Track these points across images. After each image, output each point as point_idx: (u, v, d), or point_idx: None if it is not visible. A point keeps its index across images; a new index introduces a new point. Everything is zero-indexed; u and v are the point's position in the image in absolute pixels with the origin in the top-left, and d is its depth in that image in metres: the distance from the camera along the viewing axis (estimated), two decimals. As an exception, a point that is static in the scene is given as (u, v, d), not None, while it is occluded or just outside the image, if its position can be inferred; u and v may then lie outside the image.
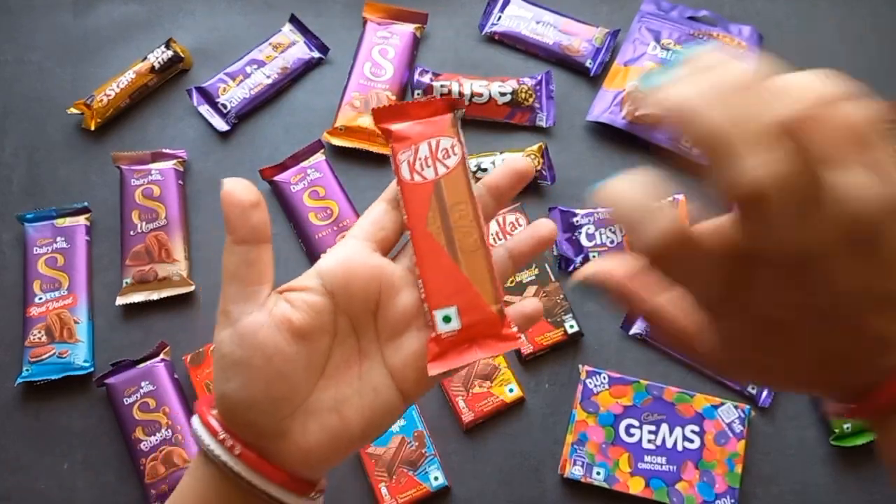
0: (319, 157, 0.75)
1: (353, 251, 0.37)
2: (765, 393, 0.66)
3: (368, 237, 0.38)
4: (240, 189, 0.34)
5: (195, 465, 0.37)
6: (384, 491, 0.63)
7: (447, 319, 0.36)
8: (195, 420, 0.36)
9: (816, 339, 0.29)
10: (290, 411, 0.35)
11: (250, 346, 0.34)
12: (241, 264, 0.35)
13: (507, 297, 0.68)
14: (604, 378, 0.66)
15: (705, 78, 0.26)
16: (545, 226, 0.39)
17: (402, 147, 0.37)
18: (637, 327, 0.69)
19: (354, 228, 0.38)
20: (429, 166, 0.37)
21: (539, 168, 0.73)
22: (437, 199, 0.37)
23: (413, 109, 0.38)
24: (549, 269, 0.70)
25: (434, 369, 0.35)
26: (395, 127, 0.38)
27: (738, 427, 0.63)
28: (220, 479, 0.35)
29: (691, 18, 0.80)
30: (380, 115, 0.38)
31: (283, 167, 0.75)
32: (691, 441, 0.63)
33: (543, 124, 0.77)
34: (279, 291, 0.36)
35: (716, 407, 0.64)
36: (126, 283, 0.71)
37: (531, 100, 0.77)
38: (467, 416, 0.66)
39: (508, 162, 0.38)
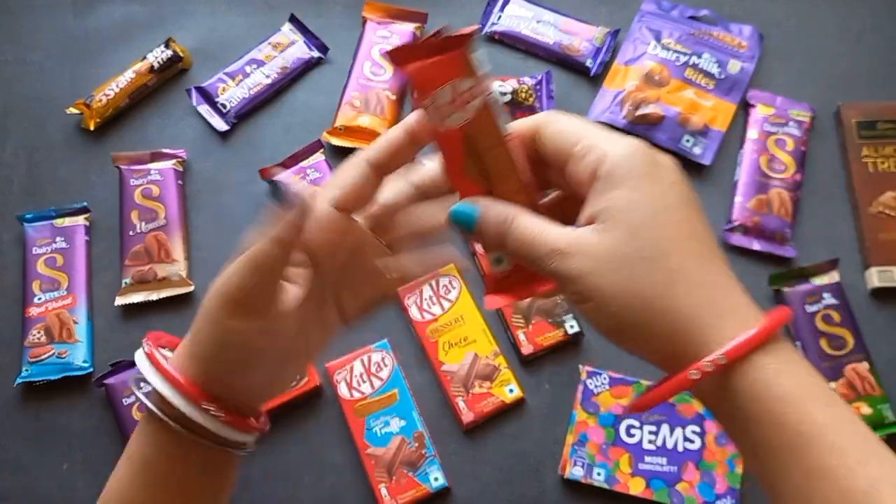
0: (319, 157, 0.75)
1: (332, 222, 0.39)
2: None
3: (343, 201, 0.39)
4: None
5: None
6: (384, 492, 0.63)
7: (499, 261, 0.38)
8: (147, 366, 0.40)
9: None
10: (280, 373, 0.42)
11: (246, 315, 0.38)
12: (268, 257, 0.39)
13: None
14: (604, 378, 0.65)
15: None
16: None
17: (424, 92, 0.35)
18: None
19: (327, 192, 0.39)
20: (454, 111, 0.35)
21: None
22: (470, 146, 0.35)
23: (426, 49, 0.34)
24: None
25: (492, 303, 0.37)
26: (413, 68, 0.35)
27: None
28: (165, 430, 0.39)
29: (692, 18, 0.80)
30: (396, 55, 0.35)
31: (282, 167, 0.75)
32: (692, 441, 0.63)
33: (543, 124, 0.77)
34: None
35: (716, 407, 0.64)
36: (125, 283, 0.71)
37: (531, 99, 0.76)
38: (467, 417, 0.65)
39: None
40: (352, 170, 0.38)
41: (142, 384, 0.40)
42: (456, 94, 0.34)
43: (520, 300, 0.38)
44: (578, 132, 0.35)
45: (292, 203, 0.37)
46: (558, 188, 0.39)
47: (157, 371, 0.39)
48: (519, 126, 0.37)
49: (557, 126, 0.36)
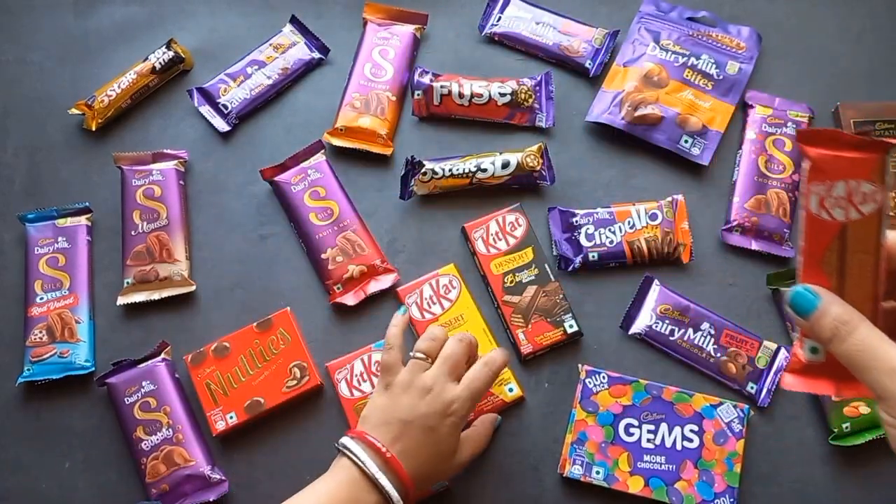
0: (320, 158, 0.76)
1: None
2: (764, 392, 0.66)
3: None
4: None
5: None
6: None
7: (815, 350, 0.38)
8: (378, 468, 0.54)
9: None
10: None
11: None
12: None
13: (505, 298, 0.68)
14: (603, 377, 0.66)
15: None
16: None
17: (818, 178, 0.35)
18: (636, 327, 0.69)
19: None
20: (841, 207, 0.35)
21: (538, 168, 0.74)
22: (840, 241, 0.35)
23: (842, 140, 0.35)
24: (548, 269, 0.70)
25: (791, 385, 0.38)
26: (818, 153, 0.35)
27: (737, 426, 0.64)
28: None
29: (691, 19, 0.81)
30: (807, 135, 0.36)
31: (283, 167, 0.75)
32: (690, 440, 0.63)
33: (543, 125, 0.77)
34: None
35: (715, 406, 0.64)
36: (127, 282, 0.72)
37: (531, 100, 0.77)
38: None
39: None
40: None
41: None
42: (851, 192, 0.35)
43: (818, 393, 0.40)
44: None
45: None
46: None
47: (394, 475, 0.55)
48: (893, 238, 0.36)
49: None
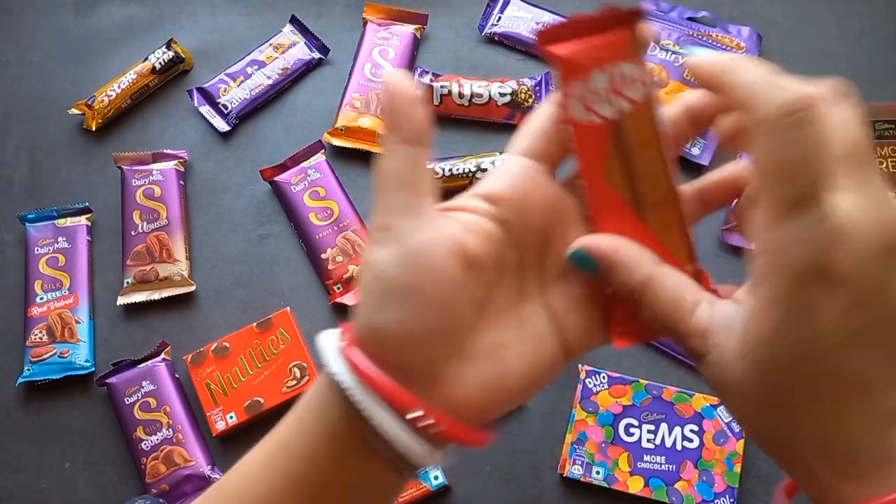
0: (320, 158, 0.76)
1: (526, 173, 0.31)
2: (764, 392, 0.66)
3: (537, 154, 0.31)
4: (406, 81, 0.29)
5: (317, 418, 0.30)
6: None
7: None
8: (335, 356, 0.29)
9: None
10: (449, 352, 0.29)
11: (421, 268, 0.27)
12: (405, 167, 0.29)
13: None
14: (603, 377, 0.66)
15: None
16: (739, 165, 0.32)
17: (574, 78, 0.29)
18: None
19: (519, 141, 0.32)
20: (608, 102, 0.29)
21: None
22: (619, 144, 0.29)
23: (584, 27, 0.30)
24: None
25: (622, 342, 0.31)
26: (564, 51, 0.29)
27: (737, 426, 0.64)
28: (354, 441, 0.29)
29: (690, 19, 0.81)
30: (545, 36, 0.30)
31: (283, 168, 0.75)
32: (690, 440, 0.63)
33: (543, 125, 0.77)
34: (442, 209, 0.30)
35: (715, 406, 0.64)
36: (127, 282, 0.72)
37: (531, 100, 0.77)
38: (467, 416, 0.66)
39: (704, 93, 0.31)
40: (543, 119, 0.31)
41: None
42: (613, 80, 0.29)
43: (646, 341, 0.32)
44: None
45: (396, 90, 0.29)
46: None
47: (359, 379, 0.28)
48: (690, 98, 0.31)
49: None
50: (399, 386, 0.28)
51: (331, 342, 0.29)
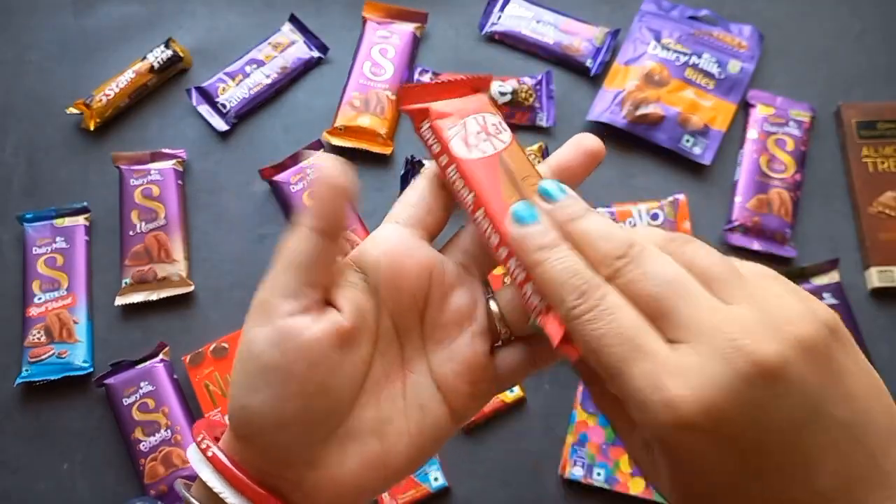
0: (319, 157, 0.75)
1: (399, 239, 0.31)
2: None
3: (414, 222, 0.32)
4: (337, 171, 0.29)
5: None
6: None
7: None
8: (193, 452, 0.30)
9: None
10: (326, 434, 0.29)
11: (293, 349, 0.28)
12: (304, 253, 0.29)
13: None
14: (604, 378, 0.65)
15: None
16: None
17: (448, 123, 0.32)
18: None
19: (396, 209, 0.32)
20: (485, 140, 0.32)
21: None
22: (506, 173, 0.31)
23: (442, 89, 0.33)
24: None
25: (570, 350, 0.29)
26: (435, 105, 0.33)
27: None
28: None
29: (692, 18, 0.80)
30: (407, 94, 0.33)
31: (282, 167, 0.75)
32: (692, 441, 0.63)
33: (544, 124, 0.77)
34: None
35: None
36: (125, 283, 0.71)
37: (531, 99, 0.76)
38: (467, 417, 0.65)
39: (577, 140, 0.33)
40: (423, 188, 0.33)
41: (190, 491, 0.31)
42: (485, 125, 0.32)
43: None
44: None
45: (323, 181, 0.29)
46: None
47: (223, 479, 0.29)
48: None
49: None
50: (256, 486, 0.28)
51: (196, 452, 0.30)
